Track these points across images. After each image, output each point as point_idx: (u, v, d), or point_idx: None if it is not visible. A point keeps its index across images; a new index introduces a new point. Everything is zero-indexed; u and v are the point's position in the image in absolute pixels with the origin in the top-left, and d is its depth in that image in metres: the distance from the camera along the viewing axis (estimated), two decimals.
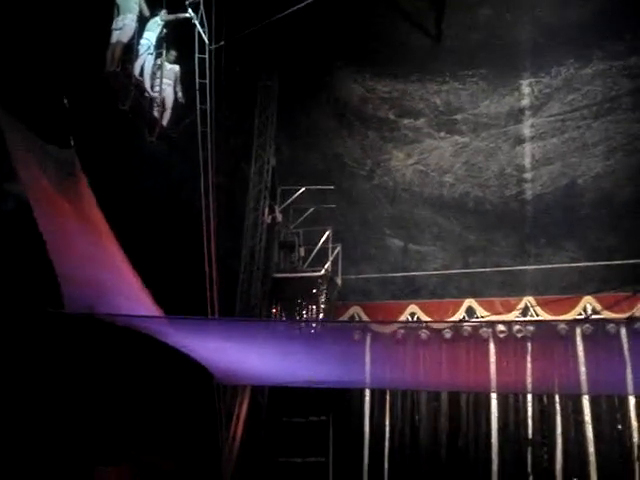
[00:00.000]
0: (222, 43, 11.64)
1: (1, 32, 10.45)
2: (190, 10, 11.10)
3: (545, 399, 13.96)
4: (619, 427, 13.45)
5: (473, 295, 14.43)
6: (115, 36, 10.30)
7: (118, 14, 10.39)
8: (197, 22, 11.24)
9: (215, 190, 12.46)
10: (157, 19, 10.96)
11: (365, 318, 14.49)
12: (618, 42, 14.15)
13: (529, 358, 13.48)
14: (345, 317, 14.58)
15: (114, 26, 10.34)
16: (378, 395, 14.49)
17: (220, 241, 12.86)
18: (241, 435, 13.50)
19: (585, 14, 14.04)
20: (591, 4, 13.93)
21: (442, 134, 15.37)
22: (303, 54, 15.05)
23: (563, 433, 13.66)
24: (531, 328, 13.81)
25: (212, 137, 11.89)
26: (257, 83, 15.08)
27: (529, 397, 13.94)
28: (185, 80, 11.43)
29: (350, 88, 15.09)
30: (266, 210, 14.85)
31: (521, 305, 14.21)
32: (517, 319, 14.21)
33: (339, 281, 14.89)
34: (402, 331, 14.17)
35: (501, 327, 14.12)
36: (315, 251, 14.74)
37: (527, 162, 15.33)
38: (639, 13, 13.55)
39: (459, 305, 14.45)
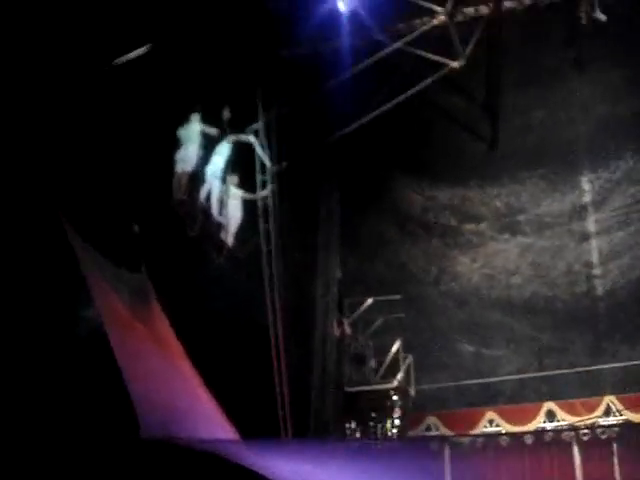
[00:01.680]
0: (284, 164, 12.03)
1: (76, 162, 11.01)
2: (251, 135, 11.59)
3: None
4: None
5: (552, 398, 14.03)
6: (179, 166, 10.78)
7: (180, 145, 10.92)
8: (257, 145, 11.69)
9: (282, 306, 12.61)
10: (224, 142, 11.43)
11: (442, 428, 14.17)
12: None
13: (616, 461, 12.96)
14: (421, 428, 14.28)
15: (177, 156, 10.84)
16: None
17: (289, 358, 12.89)
18: None
19: (637, 106, 14.16)
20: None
21: (506, 236, 15.37)
22: (362, 165, 15.44)
23: None
24: (616, 429, 13.35)
25: (278, 254, 12.13)
26: (319, 197, 15.43)
27: None
28: (249, 203, 11.79)
29: (410, 197, 15.35)
30: (334, 323, 14.90)
31: (603, 405, 13.75)
32: (599, 421, 13.73)
33: (413, 391, 14.67)
34: (481, 440, 13.85)
35: (584, 430, 13.65)
36: (387, 362, 14.64)
37: (595, 258, 15.16)
38: None
39: (538, 409, 14.06)
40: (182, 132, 10.97)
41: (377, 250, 15.63)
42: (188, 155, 10.88)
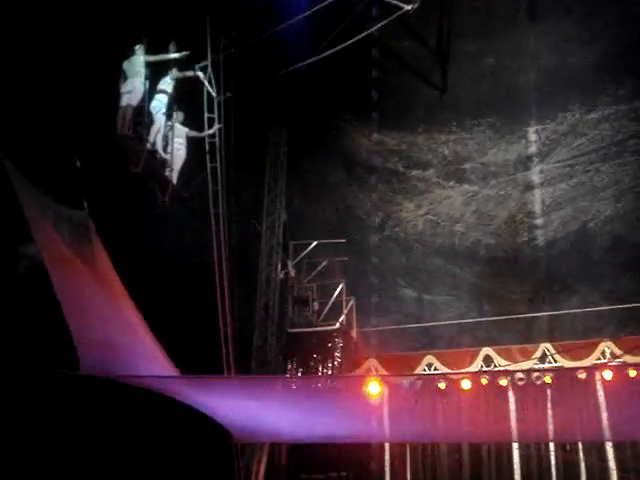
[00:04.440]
0: (229, 94, 11.77)
1: (15, 97, 10.66)
2: (199, 70, 11.29)
3: (568, 447, 13.73)
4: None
5: (490, 343, 14.32)
6: (124, 100, 10.47)
7: (125, 78, 10.59)
8: (205, 80, 11.42)
9: (227, 247, 12.52)
10: (167, 79, 11.14)
11: (382, 370, 14.37)
12: (622, 86, 14.29)
13: (549, 405, 13.31)
14: (362, 370, 14.47)
15: (122, 89, 10.53)
16: (398, 449, 14.29)
17: (233, 298, 12.87)
18: None
19: (588, 59, 14.23)
20: (593, 49, 14.12)
21: (451, 183, 15.46)
22: (311, 108, 15.26)
23: None
24: (550, 375, 13.68)
25: (223, 195, 11.99)
26: (266, 139, 15.26)
27: (552, 446, 13.72)
28: (195, 140, 11.57)
29: (358, 141, 15.24)
30: (279, 265, 14.89)
31: (539, 352, 14.09)
32: (536, 366, 14.07)
33: (354, 334, 14.81)
34: (420, 382, 14.05)
35: (520, 375, 13.97)
36: (329, 305, 14.73)
37: (537, 208, 15.37)
38: None
39: (476, 354, 14.32)
40: (127, 65, 10.63)
41: (323, 193, 15.58)
42: (133, 89, 10.54)
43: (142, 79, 10.56)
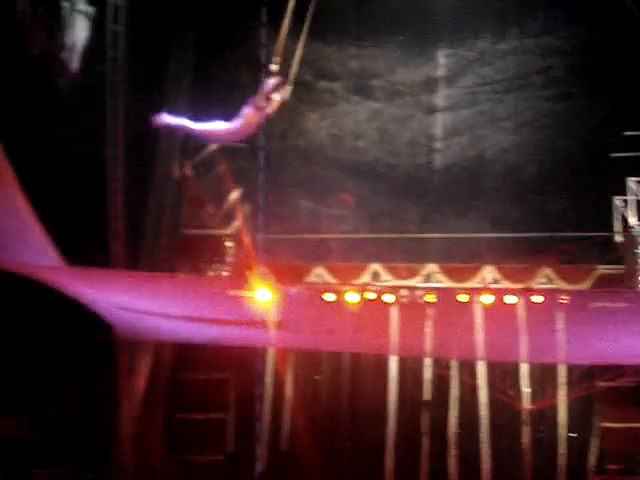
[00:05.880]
0: None
1: None
2: None
3: (443, 363, 14.40)
4: (510, 392, 14.05)
5: (379, 260, 14.64)
6: None
7: None
8: None
9: (123, 141, 12.19)
10: None
11: (272, 278, 14.49)
12: (533, 20, 14.47)
13: (429, 323, 13.83)
14: (252, 276, 14.54)
15: None
16: (281, 354, 14.61)
17: (128, 194, 12.63)
18: (142, 390, 13.39)
19: None
20: None
21: (357, 99, 15.40)
22: (221, 7, 14.71)
23: (458, 397, 14.18)
24: (433, 294, 14.18)
25: (122, 85, 11.60)
26: (173, 34, 14.69)
27: (427, 361, 14.34)
28: (99, 26, 11.04)
29: (268, 45, 14.82)
30: (176, 164, 14.59)
31: (424, 272, 14.53)
32: (419, 285, 14.53)
33: (247, 240, 14.80)
34: (307, 292, 14.28)
35: (404, 292, 14.41)
36: (224, 209, 14.64)
37: (438, 132, 15.57)
38: None
39: (365, 269, 14.65)
40: None
41: (229, 95, 15.18)
42: None
43: None
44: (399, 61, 15.01)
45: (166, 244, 14.12)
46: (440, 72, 15.23)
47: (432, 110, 15.53)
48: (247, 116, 9.51)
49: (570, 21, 14.23)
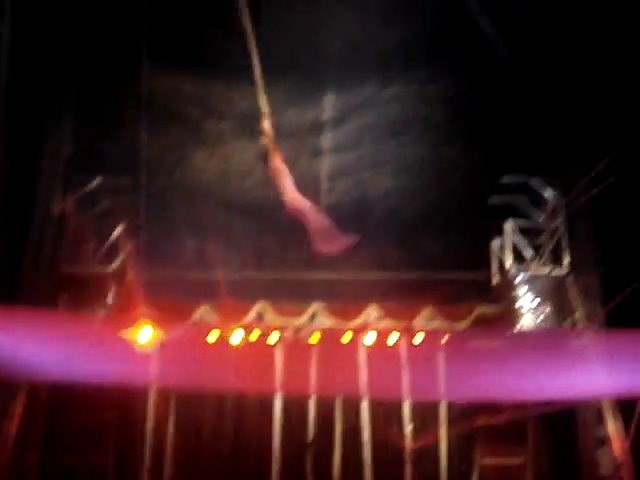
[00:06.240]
0: None
1: None
2: None
3: (327, 403, 14.47)
4: (393, 431, 14.26)
5: (264, 300, 14.64)
6: None
7: None
8: None
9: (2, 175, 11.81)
10: None
11: (156, 317, 14.21)
12: (418, 69, 14.94)
13: (314, 363, 13.97)
14: (135, 315, 14.19)
15: None
16: (163, 395, 14.32)
17: (5, 230, 12.21)
18: (14, 435, 12.77)
19: (391, 37, 14.68)
20: (398, 29, 14.60)
21: (245, 138, 15.40)
22: (110, 44, 14.51)
23: (342, 436, 14.27)
24: (317, 334, 14.37)
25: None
26: (55, 59, 14.34)
27: (311, 401, 14.38)
28: None
29: (157, 81, 14.66)
30: (57, 200, 14.21)
31: (310, 311, 14.64)
32: (304, 324, 14.65)
33: (130, 279, 14.51)
34: (191, 332, 14.17)
35: (288, 332, 14.53)
36: (107, 246, 14.34)
37: (324, 173, 15.78)
38: (439, 44, 14.47)
39: (250, 309, 14.61)
40: None
41: (114, 131, 14.94)
42: None
43: None
44: (287, 103, 15.12)
45: (45, 281, 13.65)
46: (327, 115, 15.47)
47: (318, 152, 15.74)
48: None
49: (450, 71, 14.82)
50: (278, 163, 11.06)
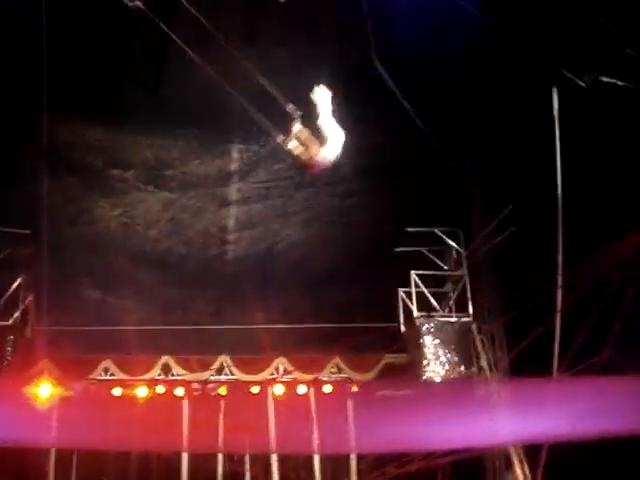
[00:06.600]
0: None
1: None
2: None
3: (235, 458, 14.20)
4: None
5: (171, 352, 14.35)
6: None
7: None
8: None
9: None
10: None
11: (56, 372, 13.70)
12: None
13: (222, 416, 13.72)
14: (34, 371, 13.66)
15: None
16: (66, 454, 13.75)
17: None
18: None
19: (298, 88, 14.80)
20: (305, 78, 14.70)
21: (150, 188, 15.21)
22: (9, 92, 14.09)
23: None
24: (225, 387, 14.14)
25: None
26: None
27: (219, 456, 14.07)
28: None
29: (58, 130, 14.28)
30: None
31: (216, 364, 14.43)
32: (211, 378, 14.42)
33: (29, 333, 14.04)
34: (93, 387, 13.76)
35: (195, 385, 14.26)
36: (4, 299, 13.84)
37: (231, 224, 15.73)
38: (344, 96, 14.66)
39: (155, 362, 14.29)
40: None
41: (13, 179, 14.46)
42: None
43: None
44: (193, 153, 15.04)
45: None
46: (234, 166, 15.42)
47: (225, 203, 15.67)
48: None
49: (356, 123, 15.01)
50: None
